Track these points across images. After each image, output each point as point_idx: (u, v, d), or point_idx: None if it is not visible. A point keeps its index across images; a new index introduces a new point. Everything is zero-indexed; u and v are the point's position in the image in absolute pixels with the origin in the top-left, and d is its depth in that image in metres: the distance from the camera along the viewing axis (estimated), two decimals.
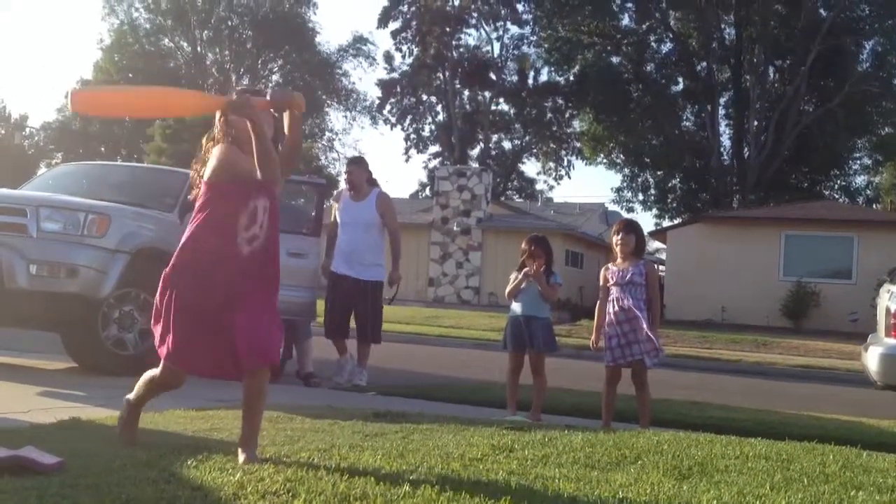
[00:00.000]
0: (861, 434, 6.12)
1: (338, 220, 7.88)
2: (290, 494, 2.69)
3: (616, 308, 5.81)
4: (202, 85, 48.20)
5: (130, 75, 49.33)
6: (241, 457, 3.22)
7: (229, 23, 49.61)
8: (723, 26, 39.84)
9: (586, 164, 46.43)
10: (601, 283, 6.03)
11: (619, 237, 5.95)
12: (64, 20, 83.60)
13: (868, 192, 43.08)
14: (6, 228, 6.41)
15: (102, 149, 50.18)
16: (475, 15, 47.40)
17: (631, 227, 6.10)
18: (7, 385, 5.81)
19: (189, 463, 3.05)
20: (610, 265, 6.04)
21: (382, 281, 7.88)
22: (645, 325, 5.70)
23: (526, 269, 6.34)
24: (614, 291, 5.87)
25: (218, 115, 3.51)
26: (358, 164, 8.03)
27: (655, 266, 6.84)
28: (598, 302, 6.03)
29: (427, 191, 47.17)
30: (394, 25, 47.09)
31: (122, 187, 7.93)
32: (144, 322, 6.87)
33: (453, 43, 47.30)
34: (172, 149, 31.11)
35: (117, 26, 50.78)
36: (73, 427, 3.97)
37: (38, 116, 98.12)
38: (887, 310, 7.57)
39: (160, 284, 3.45)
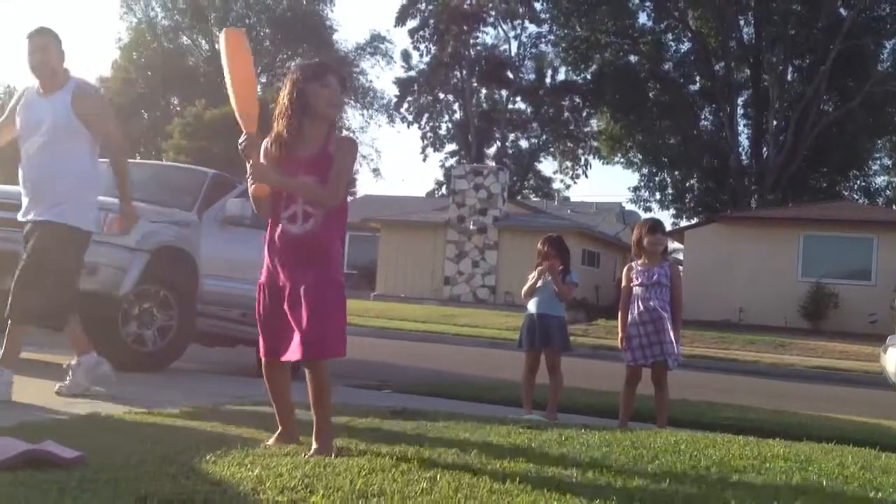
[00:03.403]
0: (880, 436, 6.08)
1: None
2: (308, 490, 2.70)
3: (640, 308, 5.74)
4: (220, 83, 48.38)
5: (149, 73, 49.66)
6: (313, 447, 3.43)
7: (247, 20, 49.79)
8: (742, 25, 39.63)
9: (603, 163, 46.38)
10: (624, 282, 5.95)
11: (655, 237, 5.82)
12: (82, 19, 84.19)
13: (888, 192, 42.77)
14: None
15: None
16: (493, 13, 47.40)
17: (663, 228, 6.03)
18: (27, 380, 5.85)
19: (208, 458, 3.07)
20: (634, 264, 5.94)
21: (67, 225, 5.04)
22: (669, 327, 5.66)
23: (540, 267, 6.34)
24: (638, 291, 5.78)
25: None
26: (40, 34, 5.13)
27: (679, 267, 6.78)
28: (621, 301, 5.96)
29: (443, 189, 47.22)
30: (411, 24, 47.20)
31: (142, 185, 7.95)
32: (164, 319, 6.92)
33: (471, 41, 47.32)
34: (191, 146, 31.25)
35: (135, 25, 51.10)
36: (93, 422, 4.00)
37: None
38: None
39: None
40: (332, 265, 3.52)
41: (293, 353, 3.47)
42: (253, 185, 3.45)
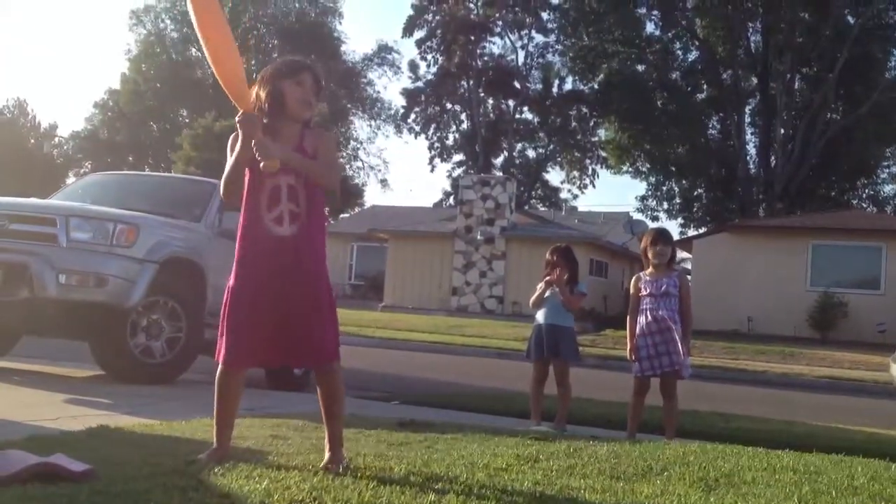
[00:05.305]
0: (889, 446, 6.05)
1: None
2: (317, 503, 2.70)
3: (649, 318, 5.71)
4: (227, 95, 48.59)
5: (158, 85, 49.90)
6: (326, 458, 3.35)
7: (255, 32, 50.05)
8: (749, 34, 39.64)
9: (611, 172, 46.38)
10: (632, 292, 5.94)
11: (658, 248, 5.81)
12: (92, 30, 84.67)
13: None
14: (36, 238, 6.49)
15: (130, 158, 50.75)
16: (500, 23, 47.52)
17: (668, 238, 5.99)
18: (36, 393, 5.88)
19: (216, 471, 3.07)
20: (642, 275, 5.92)
21: None
22: (678, 338, 5.65)
23: (547, 277, 6.33)
24: (647, 302, 5.76)
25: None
26: None
27: (687, 277, 6.76)
28: (629, 311, 5.94)
29: (451, 199, 47.26)
30: (419, 34, 47.39)
31: (151, 197, 8.01)
32: (172, 331, 6.94)
33: (478, 52, 47.44)
34: (200, 157, 31.36)
35: (144, 37, 51.41)
36: (102, 435, 4.00)
37: (67, 125, 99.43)
38: None
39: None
40: (323, 265, 3.44)
41: (306, 359, 3.41)
42: (262, 164, 3.24)
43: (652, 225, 35.61)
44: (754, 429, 6.89)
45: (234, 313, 3.34)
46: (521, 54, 47.92)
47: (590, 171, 49.22)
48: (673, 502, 3.08)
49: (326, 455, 3.36)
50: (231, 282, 3.39)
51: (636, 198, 49.31)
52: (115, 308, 6.57)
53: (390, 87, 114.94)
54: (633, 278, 6.02)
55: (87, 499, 2.61)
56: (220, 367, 3.42)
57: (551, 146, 50.00)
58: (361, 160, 53.63)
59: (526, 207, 40.58)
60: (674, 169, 41.71)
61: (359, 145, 53.76)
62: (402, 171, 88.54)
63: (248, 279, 3.34)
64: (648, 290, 5.77)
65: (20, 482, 2.79)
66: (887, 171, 42.28)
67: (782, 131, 37.36)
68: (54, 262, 6.37)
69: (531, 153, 51.27)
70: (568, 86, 47.31)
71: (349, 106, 51.40)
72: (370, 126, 56.03)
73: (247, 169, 3.38)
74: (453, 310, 26.74)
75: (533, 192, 51.18)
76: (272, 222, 3.33)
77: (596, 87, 42.74)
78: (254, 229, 3.35)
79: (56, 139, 53.74)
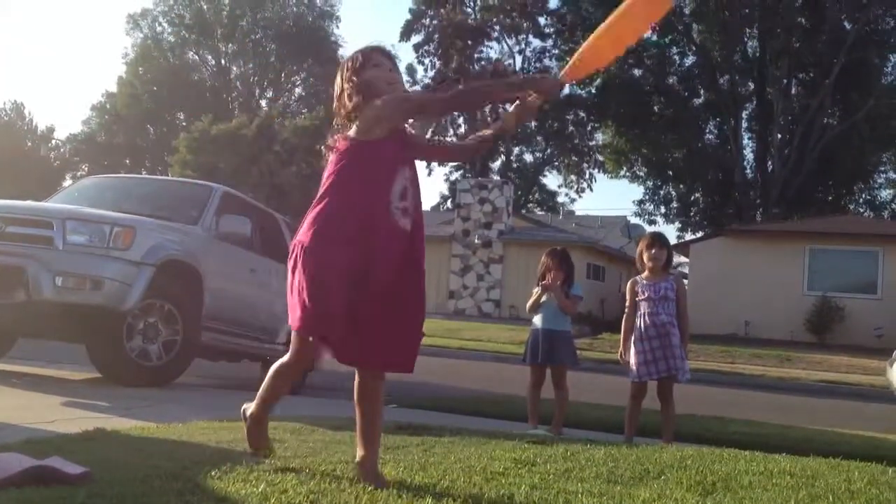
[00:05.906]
0: (887, 450, 6.05)
1: None
2: None
3: (648, 322, 5.71)
4: (226, 98, 48.65)
5: (155, 88, 49.89)
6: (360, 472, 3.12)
7: (253, 36, 50.07)
8: (746, 39, 39.69)
9: (609, 177, 46.40)
10: (629, 296, 5.94)
11: (653, 252, 5.82)
12: (90, 34, 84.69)
13: (893, 205, 42.68)
14: (33, 240, 6.48)
15: (127, 161, 50.71)
16: (497, 28, 47.56)
17: (663, 242, 6.02)
18: (32, 395, 5.86)
19: (213, 474, 3.06)
20: (638, 279, 5.92)
21: None
22: (677, 343, 5.65)
23: (544, 282, 6.34)
24: (644, 306, 5.76)
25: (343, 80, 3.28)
26: None
27: (684, 281, 6.78)
28: (625, 315, 5.94)
29: (448, 203, 47.26)
30: (416, 39, 47.38)
31: (148, 200, 8.01)
32: (168, 333, 6.93)
33: (475, 56, 47.47)
34: (197, 161, 31.35)
35: (141, 40, 51.41)
36: (99, 437, 3.99)
37: (64, 128, 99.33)
38: None
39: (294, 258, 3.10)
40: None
41: (392, 363, 3.21)
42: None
43: (649, 229, 35.66)
44: (751, 433, 6.89)
45: (327, 299, 3.02)
46: (519, 59, 48.01)
47: (587, 176, 49.27)
48: None
49: (360, 454, 3.15)
50: (321, 252, 3.03)
51: (633, 202, 49.42)
52: (111, 311, 6.56)
53: None
54: (629, 282, 6.02)
55: (84, 502, 2.60)
56: (296, 343, 3.19)
57: (549, 150, 50.03)
58: None
59: (523, 211, 40.61)
60: (671, 173, 41.76)
61: None
62: None
63: (349, 266, 3.03)
64: (647, 294, 5.77)
65: (16, 485, 2.78)
66: (884, 175, 42.38)
67: (779, 136, 37.41)
68: (51, 265, 6.36)
69: (529, 157, 51.29)
70: (565, 90, 47.29)
71: None
72: None
73: (382, 152, 3.11)
74: (450, 313, 26.73)
75: (530, 196, 51.20)
76: (400, 213, 3.11)
77: (593, 91, 42.78)
78: (377, 210, 3.07)
79: (53, 142, 53.74)
